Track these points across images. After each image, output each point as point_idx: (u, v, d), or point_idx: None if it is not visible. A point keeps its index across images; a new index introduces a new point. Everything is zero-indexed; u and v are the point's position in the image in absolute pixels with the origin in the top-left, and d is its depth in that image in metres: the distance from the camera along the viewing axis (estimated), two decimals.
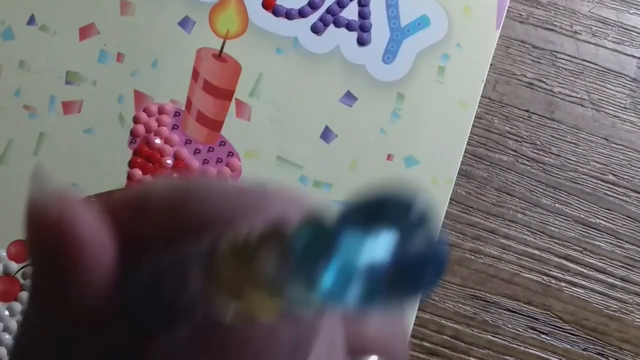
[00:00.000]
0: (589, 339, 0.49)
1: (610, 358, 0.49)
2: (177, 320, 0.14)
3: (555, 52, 0.50)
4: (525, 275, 0.49)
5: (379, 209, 0.12)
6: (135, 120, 0.45)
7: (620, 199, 0.50)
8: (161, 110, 0.46)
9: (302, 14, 0.47)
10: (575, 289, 0.49)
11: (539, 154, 0.49)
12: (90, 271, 0.15)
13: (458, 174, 0.48)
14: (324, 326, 0.16)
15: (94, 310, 0.15)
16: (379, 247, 0.12)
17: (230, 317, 0.13)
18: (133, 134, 0.45)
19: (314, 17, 0.47)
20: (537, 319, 0.48)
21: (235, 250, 0.13)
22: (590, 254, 0.49)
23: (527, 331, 0.48)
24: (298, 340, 0.15)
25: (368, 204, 0.12)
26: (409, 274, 0.12)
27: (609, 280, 0.49)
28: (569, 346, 0.48)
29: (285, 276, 0.12)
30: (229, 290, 0.13)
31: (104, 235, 0.15)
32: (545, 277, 0.49)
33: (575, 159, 0.50)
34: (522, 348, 0.48)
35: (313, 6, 0.47)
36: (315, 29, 0.47)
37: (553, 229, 0.49)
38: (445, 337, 0.48)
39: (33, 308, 0.16)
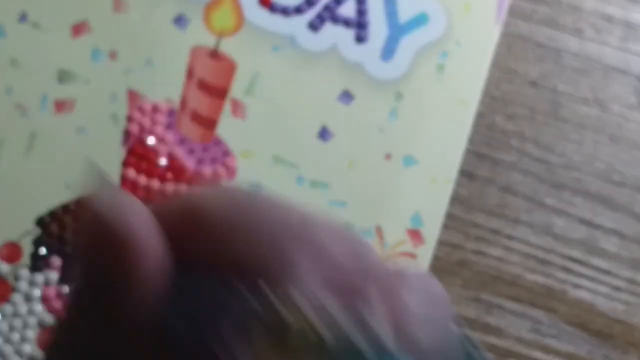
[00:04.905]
0: (594, 342, 0.48)
1: None
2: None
3: (559, 50, 0.50)
4: (529, 277, 0.48)
5: None
6: (129, 119, 0.45)
7: (625, 199, 0.49)
8: (155, 109, 0.46)
9: (298, 11, 0.47)
10: (579, 291, 0.48)
11: (542, 153, 0.49)
12: (142, 279, 0.14)
13: (460, 174, 0.48)
14: None
15: (136, 318, 0.14)
16: None
17: None
18: (127, 133, 0.45)
19: (310, 14, 0.47)
20: (540, 322, 0.48)
21: (274, 340, 0.14)
22: (595, 256, 0.49)
23: (530, 334, 0.48)
24: None
25: None
26: None
27: (614, 282, 0.49)
28: (573, 349, 0.48)
29: None
30: None
31: (159, 244, 0.14)
32: (549, 279, 0.48)
33: (579, 159, 0.49)
34: (526, 351, 0.48)
35: (310, 3, 0.47)
36: (312, 26, 0.47)
37: (557, 229, 0.49)
38: None
39: (75, 301, 0.15)
